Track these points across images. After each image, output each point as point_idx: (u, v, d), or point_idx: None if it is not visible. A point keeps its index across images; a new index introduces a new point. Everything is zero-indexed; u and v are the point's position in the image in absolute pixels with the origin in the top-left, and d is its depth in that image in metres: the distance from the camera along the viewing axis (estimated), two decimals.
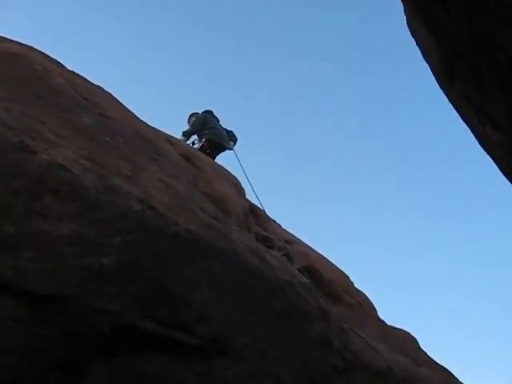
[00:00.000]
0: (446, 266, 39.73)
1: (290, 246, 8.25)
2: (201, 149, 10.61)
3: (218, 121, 11.49)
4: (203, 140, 10.80)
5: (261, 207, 9.06)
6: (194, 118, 11.23)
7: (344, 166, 40.80)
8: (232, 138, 11.51)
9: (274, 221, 9.32)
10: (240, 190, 8.19)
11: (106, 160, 4.87)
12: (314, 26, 40.57)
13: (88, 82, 6.57)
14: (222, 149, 11.00)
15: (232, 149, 11.26)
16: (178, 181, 5.78)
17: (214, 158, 10.75)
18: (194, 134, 11.00)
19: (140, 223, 4.36)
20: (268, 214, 9.12)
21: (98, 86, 6.70)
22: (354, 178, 40.94)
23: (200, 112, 11.42)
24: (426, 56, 3.48)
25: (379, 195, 41.03)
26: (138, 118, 6.90)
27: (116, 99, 6.76)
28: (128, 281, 4.03)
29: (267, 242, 7.71)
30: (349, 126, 41.61)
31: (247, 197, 8.72)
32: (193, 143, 10.96)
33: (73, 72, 6.48)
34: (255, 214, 8.66)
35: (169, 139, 7.28)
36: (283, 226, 9.50)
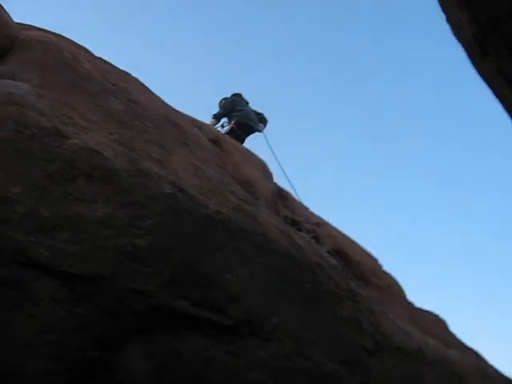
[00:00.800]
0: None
1: (319, 229, 8.25)
2: (230, 131, 10.60)
3: (248, 103, 11.42)
4: (232, 122, 10.77)
5: (291, 189, 9.06)
6: (223, 101, 11.21)
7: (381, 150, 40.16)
8: (262, 120, 11.43)
9: (302, 203, 9.32)
10: (268, 174, 8.20)
11: (136, 144, 4.93)
12: None
13: (115, 67, 6.62)
14: (252, 131, 10.93)
15: (262, 131, 11.20)
16: (207, 164, 5.82)
17: (243, 140, 10.73)
18: (223, 116, 10.97)
19: (171, 206, 4.41)
20: (297, 196, 9.12)
21: (125, 72, 6.74)
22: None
23: (229, 96, 11.39)
24: (457, 32, 3.44)
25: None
26: (165, 102, 6.93)
27: (143, 84, 6.80)
28: (161, 262, 4.09)
29: (295, 225, 7.72)
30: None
31: (276, 180, 8.73)
32: (222, 126, 10.94)
33: (100, 58, 6.53)
34: (283, 197, 8.66)
35: (196, 123, 7.30)
36: (311, 209, 9.50)
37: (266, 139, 10.91)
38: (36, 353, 3.43)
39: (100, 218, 3.90)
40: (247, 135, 10.85)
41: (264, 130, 11.22)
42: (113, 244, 3.86)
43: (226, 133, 10.43)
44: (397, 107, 40.54)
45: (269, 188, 7.54)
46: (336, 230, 8.82)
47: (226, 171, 6.42)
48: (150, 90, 6.81)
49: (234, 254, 4.73)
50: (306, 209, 9.22)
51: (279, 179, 9.13)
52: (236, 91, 11.49)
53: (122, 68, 6.74)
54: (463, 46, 3.45)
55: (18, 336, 3.41)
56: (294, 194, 9.16)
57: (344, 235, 8.85)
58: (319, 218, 9.07)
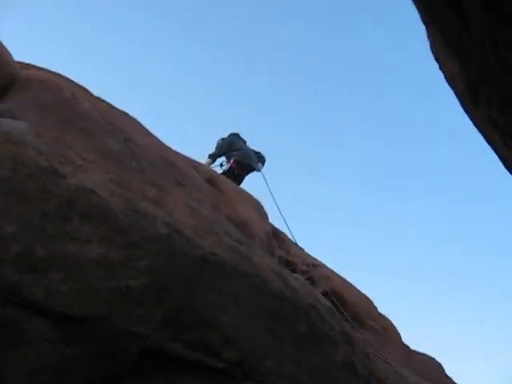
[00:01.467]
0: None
1: (314, 270, 8.24)
2: (229, 170, 10.65)
3: (245, 142, 11.49)
4: (231, 161, 10.82)
5: (287, 229, 9.07)
6: (220, 141, 11.28)
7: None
8: (260, 159, 11.48)
9: (297, 244, 9.32)
10: (263, 214, 8.22)
11: (133, 184, 4.95)
12: None
13: (113, 107, 6.69)
14: (251, 170, 10.99)
15: (259, 170, 11.25)
16: (203, 205, 5.84)
17: (242, 179, 10.76)
18: (220, 156, 11.02)
19: (166, 246, 4.41)
20: (294, 237, 9.12)
21: (122, 112, 6.81)
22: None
23: (227, 136, 11.46)
24: (450, 80, 3.52)
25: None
26: (162, 142, 6.99)
27: (141, 124, 6.86)
28: (155, 303, 4.07)
29: (290, 266, 7.72)
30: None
31: (272, 219, 8.75)
32: (221, 165, 10.98)
33: (98, 98, 6.60)
34: (278, 238, 8.67)
35: (193, 164, 7.35)
36: (306, 250, 9.50)
37: (265, 178, 10.96)
38: None
39: (94, 258, 3.90)
40: (246, 174, 10.91)
41: (262, 169, 11.27)
42: (107, 285, 3.85)
43: (225, 172, 10.47)
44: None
45: (264, 229, 7.55)
46: (331, 271, 8.81)
47: (221, 212, 6.44)
48: (147, 130, 6.87)
49: (228, 295, 4.71)
50: (301, 250, 9.22)
51: (276, 219, 9.16)
52: (233, 131, 11.58)
53: (119, 108, 6.81)
54: (456, 94, 3.53)
55: (10, 378, 3.37)
56: (289, 235, 9.18)
57: (339, 277, 8.84)
58: (314, 259, 9.07)
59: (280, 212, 9.47)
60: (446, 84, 3.79)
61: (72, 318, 3.63)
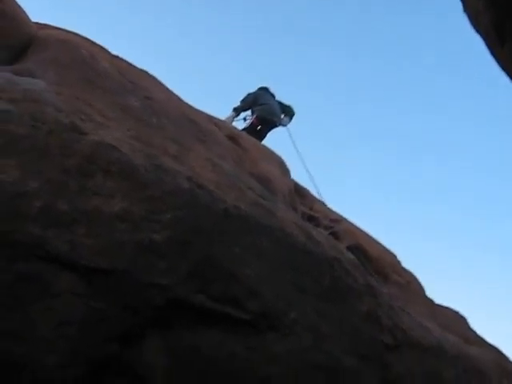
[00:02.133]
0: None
1: (337, 225, 8.23)
2: (251, 125, 10.53)
3: (274, 96, 11.23)
4: (253, 117, 10.67)
5: (312, 183, 9.03)
6: (246, 95, 11.08)
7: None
8: (288, 113, 11.25)
9: (320, 200, 9.30)
10: (285, 170, 8.20)
11: (154, 140, 4.95)
12: None
13: (132, 65, 6.66)
14: (273, 125, 10.80)
15: (286, 125, 11.04)
16: (225, 160, 5.83)
17: (265, 135, 10.62)
18: (244, 110, 10.86)
19: (189, 200, 4.42)
20: (318, 191, 9.08)
21: (142, 70, 6.78)
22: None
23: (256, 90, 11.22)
24: (474, 20, 3.42)
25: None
26: (182, 100, 6.96)
27: (160, 82, 6.83)
28: (179, 256, 4.09)
29: (313, 221, 7.71)
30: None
31: (297, 175, 8.73)
32: (245, 119, 10.85)
33: (117, 57, 6.57)
34: (301, 194, 8.66)
35: (213, 120, 7.32)
36: (330, 205, 9.48)
37: (290, 134, 10.83)
38: (55, 346, 3.45)
39: (117, 213, 3.92)
40: (269, 130, 10.74)
41: (289, 124, 11.06)
42: (130, 238, 3.88)
43: (247, 127, 10.36)
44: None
45: (286, 184, 7.54)
46: (354, 226, 8.79)
47: (243, 167, 6.43)
48: (167, 88, 6.85)
49: (251, 249, 4.72)
50: (324, 205, 9.21)
51: (301, 174, 9.12)
52: (263, 85, 11.34)
53: (139, 67, 6.78)
54: (480, 35, 3.43)
55: (37, 329, 3.43)
56: (314, 190, 9.14)
57: (362, 231, 8.83)
58: (337, 214, 9.05)
59: (305, 166, 9.43)
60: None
61: (97, 271, 3.67)
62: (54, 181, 3.80)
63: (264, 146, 8.65)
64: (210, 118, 7.41)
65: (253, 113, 10.73)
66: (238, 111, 10.77)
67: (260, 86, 11.24)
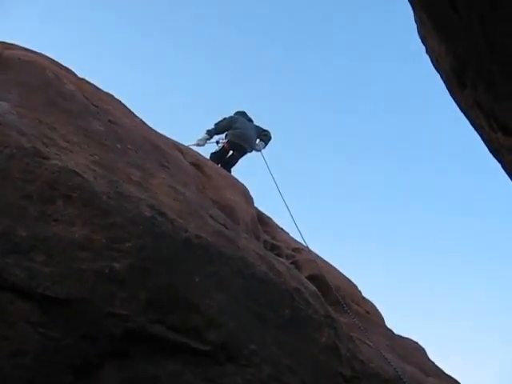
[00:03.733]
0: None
1: (298, 254, 8.26)
2: (222, 149, 10.49)
3: (251, 121, 11.15)
4: (225, 141, 10.62)
5: (287, 209, 9.02)
6: (222, 119, 11.02)
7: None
8: (265, 137, 11.18)
9: (283, 229, 9.33)
10: (248, 199, 8.21)
11: (117, 166, 4.92)
12: None
13: (98, 89, 6.63)
14: (244, 151, 10.73)
15: (259, 150, 10.97)
16: (188, 188, 5.81)
17: (237, 160, 10.59)
18: (218, 133, 10.79)
19: (150, 229, 4.39)
20: (292, 217, 9.08)
21: (107, 94, 6.76)
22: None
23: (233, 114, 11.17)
24: (437, 63, 3.51)
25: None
26: (147, 125, 6.95)
27: (125, 106, 6.82)
28: (139, 285, 4.04)
29: (275, 250, 7.72)
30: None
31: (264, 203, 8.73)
32: (217, 142, 10.80)
33: (83, 79, 6.54)
34: (263, 222, 8.68)
35: (178, 147, 7.32)
36: (291, 234, 9.51)
37: (264, 158, 10.80)
38: (8, 376, 3.36)
39: (78, 240, 3.87)
40: (240, 155, 10.69)
41: (264, 148, 11.03)
42: (90, 266, 3.82)
43: (217, 151, 10.33)
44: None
45: (249, 212, 7.54)
46: (316, 255, 8.82)
47: (206, 195, 6.42)
48: (132, 113, 6.83)
49: (212, 278, 4.70)
50: (287, 234, 9.24)
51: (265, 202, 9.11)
52: (240, 109, 11.31)
53: (104, 90, 6.76)
54: (442, 78, 3.52)
55: None
56: (289, 214, 9.12)
57: (324, 261, 8.87)
58: (300, 243, 9.08)
59: (280, 193, 9.43)
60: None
61: (54, 300, 3.59)
62: (14, 206, 3.74)
63: (228, 174, 8.66)
64: (175, 144, 7.41)
65: (226, 137, 10.69)
66: (210, 134, 10.73)
67: (237, 110, 11.24)
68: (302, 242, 8.75)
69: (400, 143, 41.07)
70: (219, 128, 10.84)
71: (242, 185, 8.39)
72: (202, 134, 10.62)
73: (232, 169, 10.42)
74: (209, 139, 10.71)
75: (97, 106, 5.89)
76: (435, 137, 41.88)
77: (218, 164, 10.31)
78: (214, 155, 10.48)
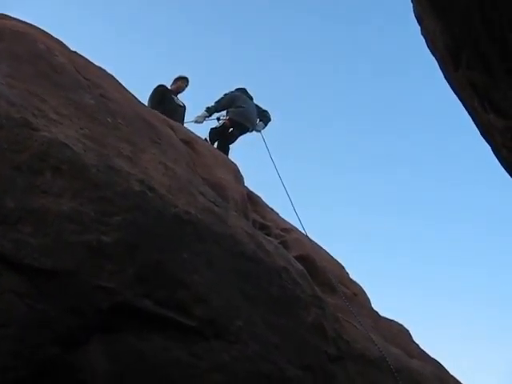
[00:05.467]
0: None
1: (287, 235, 8.27)
2: (222, 126, 10.35)
3: (251, 99, 10.98)
4: (227, 118, 10.46)
5: (285, 191, 9.03)
6: (223, 96, 10.84)
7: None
8: (264, 118, 11.04)
9: (272, 209, 9.32)
10: (239, 178, 8.17)
11: (107, 140, 4.87)
12: None
13: (90, 63, 6.54)
14: (245, 130, 10.59)
15: (259, 131, 10.83)
16: (178, 164, 5.77)
17: (236, 138, 10.44)
18: (218, 110, 10.63)
19: (140, 203, 4.37)
20: (290, 198, 9.08)
21: (99, 68, 6.67)
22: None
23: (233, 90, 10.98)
24: (431, 43, 3.48)
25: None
26: (139, 100, 6.88)
27: (117, 81, 6.74)
28: (127, 259, 4.03)
29: (264, 230, 7.72)
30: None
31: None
32: (218, 119, 10.63)
33: (75, 52, 6.45)
34: (253, 202, 8.66)
35: (169, 123, 7.25)
36: (281, 215, 9.50)
37: (264, 139, 10.69)
38: None
39: (66, 213, 3.84)
40: (240, 134, 10.55)
41: (264, 129, 10.91)
42: (77, 239, 3.80)
43: (217, 128, 10.19)
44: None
45: (239, 191, 7.52)
46: (304, 236, 8.83)
47: (196, 172, 6.39)
48: (124, 88, 6.75)
49: (201, 255, 4.70)
50: (277, 214, 9.24)
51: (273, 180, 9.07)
52: (240, 86, 11.15)
53: (96, 63, 6.68)
54: (436, 58, 3.50)
55: None
56: (286, 195, 9.13)
57: (312, 242, 8.88)
58: (289, 224, 9.09)
59: (278, 172, 9.40)
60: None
61: (42, 272, 3.58)
62: (2, 176, 3.70)
63: (219, 153, 8.61)
64: (166, 120, 7.34)
65: (227, 114, 10.51)
66: (210, 111, 10.53)
67: (237, 86, 11.05)
68: (298, 223, 8.78)
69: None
70: (220, 106, 10.64)
71: (233, 163, 8.35)
72: (202, 111, 10.49)
73: (230, 146, 10.31)
74: (208, 117, 10.55)
75: (88, 80, 5.82)
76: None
77: (216, 140, 10.22)
78: (213, 131, 10.36)
